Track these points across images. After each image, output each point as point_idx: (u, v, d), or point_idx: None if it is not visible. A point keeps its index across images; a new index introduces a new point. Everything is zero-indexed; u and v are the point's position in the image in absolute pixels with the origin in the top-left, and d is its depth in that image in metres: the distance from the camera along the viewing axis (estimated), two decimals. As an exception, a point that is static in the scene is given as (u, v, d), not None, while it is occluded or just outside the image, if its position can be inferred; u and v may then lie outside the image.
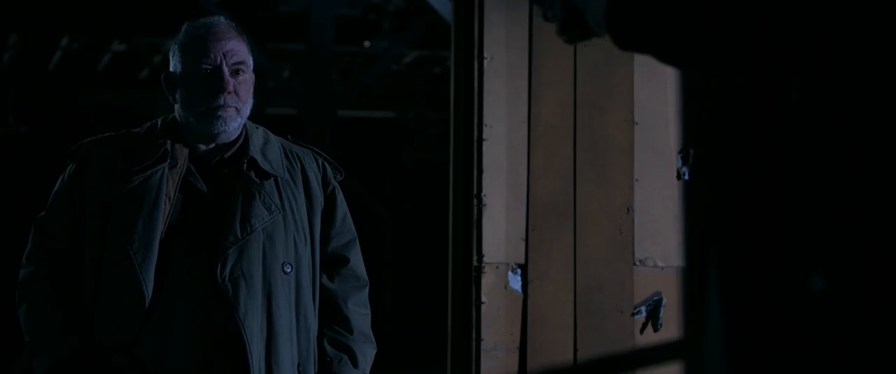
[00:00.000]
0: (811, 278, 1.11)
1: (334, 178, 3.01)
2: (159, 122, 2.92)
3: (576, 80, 4.00)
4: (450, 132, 4.05)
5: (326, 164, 3.01)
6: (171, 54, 2.91)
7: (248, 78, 2.86)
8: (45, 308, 2.81)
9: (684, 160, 4.02)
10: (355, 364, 2.93)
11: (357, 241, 3.02)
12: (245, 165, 2.84)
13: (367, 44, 12.60)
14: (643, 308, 3.99)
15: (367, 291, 3.03)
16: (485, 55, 3.95)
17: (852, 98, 1.10)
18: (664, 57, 1.32)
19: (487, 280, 3.92)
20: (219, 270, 2.74)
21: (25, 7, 11.14)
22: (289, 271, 2.82)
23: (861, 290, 1.09)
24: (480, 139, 3.93)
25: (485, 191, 3.93)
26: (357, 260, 3.00)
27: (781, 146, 1.14)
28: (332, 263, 2.96)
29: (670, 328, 3.99)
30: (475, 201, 3.93)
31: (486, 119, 3.94)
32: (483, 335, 3.90)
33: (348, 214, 3.02)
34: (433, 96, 14.57)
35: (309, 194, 2.92)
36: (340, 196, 3.01)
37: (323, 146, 3.20)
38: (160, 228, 2.76)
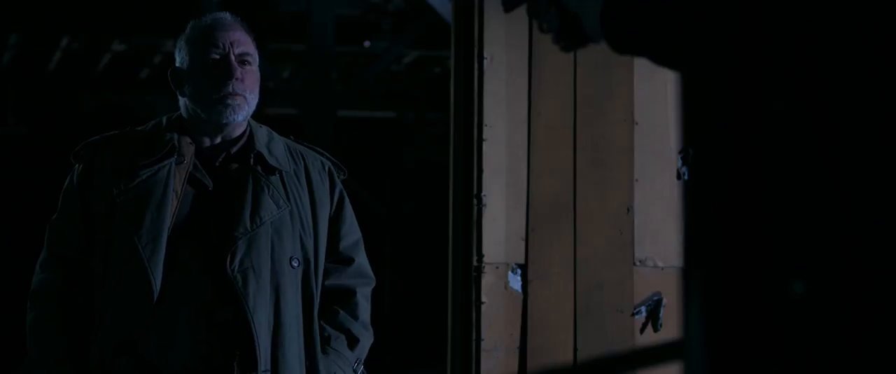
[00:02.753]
0: (792, 285, 1.11)
1: (338, 177, 3.03)
2: (164, 119, 2.94)
3: (576, 80, 4.00)
4: (450, 132, 4.05)
5: (331, 164, 3.02)
6: (177, 51, 2.93)
7: (254, 70, 2.89)
8: (50, 329, 2.82)
9: (684, 160, 4.02)
10: (352, 347, 2.96)
11: (361, 240, 3.06)
12: (252, 160, 2.86)
13: (367, 44, 12.61)
14: (643, 308, 3.99)
15: (371, 287, 3.07)
16: (485, 55, 3.95)
17: (833, 105, 1.10)
18: (661, 60, 1.32)
19: (487, 280, 3.92)
20: (228, 261, 2.75)
21: (25, 7, 11.14)
22: (296, 265, 2.83)
23: (841, 298, 1.09)
24: (480, 139, 3.93)
25: (485, 191, 3.93)
26: (362, 259, 3.04)
27: (764, 151, 1.14)
28: (339, 263, 2.99)
29: (670, 328, 3.99)
30: (475, 201, 3.93)
31: (486, 119, 3.94)
32: (483, 335, 3.90)
33: (353, 215, 3.04)
34: (433, 96, 14.57)
35: (312, 194, 2.94)
36: (346, 198, 3.03)
37: (323, 146, 3.20)
38: (168, 222, 2.76)
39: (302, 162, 2.96)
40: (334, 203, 2.98)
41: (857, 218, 1.08)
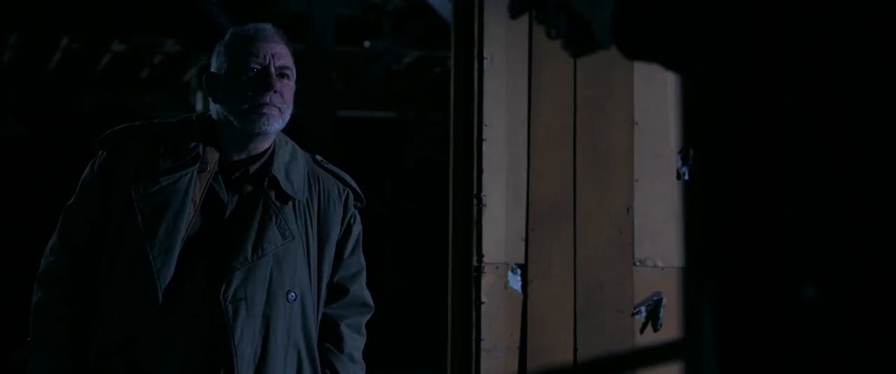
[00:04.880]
0: (805, 287, 1.11)
1: (354, 207, 3.00)
2: (195, 117, 2.92)
3: (576, 80, 4.00)
4: (450, 132, 4.05)
5: (350, 193, 3.00)
6: (214, 56, 2.91)
7: (292, 84, 2.87)
8: (51, 316, 2.82)
9: (684, 160, 4.02)
10: None
11: (364, 271, 3.02)
12: (266, 184, 2.83)
13: (367, 44, 12.61)
14: (643, 308, 3.99)
15: (366, 317, 3.03)
16: (485, 55, 3.95)
17: (845, 107, 1.10)
18: (672, 64, 1.31)
19: (487, 280, 3.92)
20: (223, 290, 2.73)
21: (25, 7, 11.14)
22: (293, 299, 2.81)
23: (853, 300, 1.09)
24: (480, 139, 3.93)
25: (485, 191, 3.93)
26: (358, 290, 3.00)
27: (777, 152, 1.14)
28: (333, 291, 2.96)
29: (670, 328, 3.99)
30: (475, 201, 3.93)
31: (486, 119, 3.94)
32: (483, 335, 3.90)
33: (360, 245, 3.01)
34: (433, 96, 14.57)
35: (324, 224, 2.91)
36: (357, 228, 2.99)
37: (323, 146, 3.18)
38: (182, 234, 2.75)
39: (318, 188, 2.93)
40: (342, 231, 2.96)
41: (869, 220, 1.08)
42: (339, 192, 2.97)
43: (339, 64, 12.89)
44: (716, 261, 1.20)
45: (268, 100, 2.79)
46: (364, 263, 3.02)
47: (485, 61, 3.95)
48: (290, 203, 2.85)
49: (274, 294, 2.79)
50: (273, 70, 2.82)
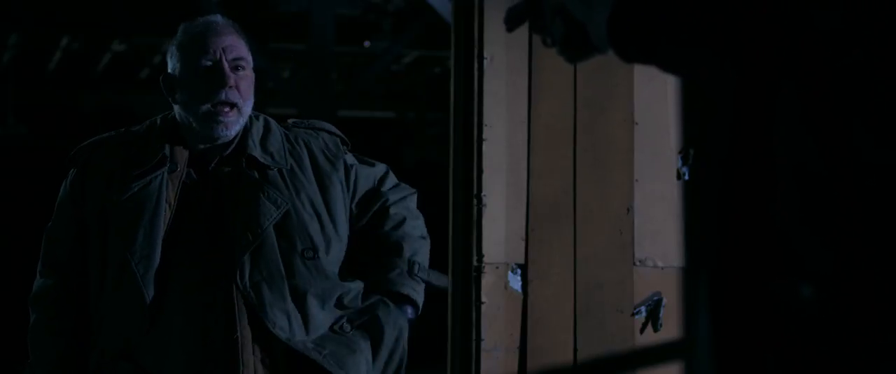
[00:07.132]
0: (800, 288, 1.11)
1: (344, 151, 2.97)
2: (159, 120, 2.89)
3: (576, 80, 4.00)
4: (450, 132, 4.05)
5: (336, 139, 2.97)
6: (168, 56, 2.87)
7: (248, 74, 2.81)
8: (47, 334, 2.82)
9: (684, 160, 4.02)
10: (398, 254, 2.96)
11: (389, 174, 3.05)
12: (244, 163, 2.81)
13: (367, 44, 12.62)
14: (643, 308, 3.99)
15: (414, 198, 3.08)
16: (485, 55, 3.94)
17: (839, 110, 1.10)
18: (669, 67, 1.31)
19: (487, 280, 3.92)
20: (237, 278, 2.72)
21: (25, 7, 11.15)
22: (310, 256, 2.79)
23: (848, 304, 1.09)
24: (480, 139, 3.93)
25: (485, 191, 3.93)
26: (395, 198, 3.02)
27: (772, 157, 1.14)
28: (395, 224, 2.99)
29: (670, 328, 3.99)
30: (475, 201, 3.93)
31: (486, 119, 3.94)
32: (483, 335, 3.90)
33: (371, 169, 3.01)
34: (433, 96, 14.58)
35: (320, 176, 2.88)
36: (358, 164, 2.98)
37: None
38: (161, 236, 2.73)
39: (304, 148, 2.90)
40: (351, 180, 2.94)
41: (863, 225, 1.08)
42: (326, 143, 2.95)
43: (339, 64, 12.90)
44: (711, 262, 1.20)
45: (224, 97, 2.75)
46: (383, 168, 3.06)
47: (485, 61, 3.94)
48: (276, 172, 2.82)
49: (290, 261, 2.77)
50: (226, 64, 2.76)
